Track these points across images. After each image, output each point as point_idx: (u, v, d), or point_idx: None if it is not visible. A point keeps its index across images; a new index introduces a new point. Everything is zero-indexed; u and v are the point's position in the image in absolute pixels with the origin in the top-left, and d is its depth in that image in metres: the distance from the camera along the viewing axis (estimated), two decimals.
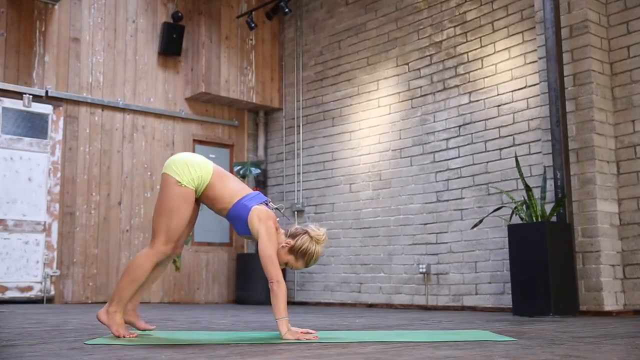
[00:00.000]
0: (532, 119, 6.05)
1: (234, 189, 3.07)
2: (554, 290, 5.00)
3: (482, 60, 6.56)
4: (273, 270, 2.91)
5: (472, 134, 6.55)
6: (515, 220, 5.60)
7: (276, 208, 3.13)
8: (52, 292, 7.19)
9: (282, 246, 3.01)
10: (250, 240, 3.20)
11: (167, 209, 2.99)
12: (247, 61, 8.67)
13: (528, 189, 5.27)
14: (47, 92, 7.42)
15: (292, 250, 3.00)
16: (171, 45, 8.26)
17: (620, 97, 5.59)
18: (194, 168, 3.02)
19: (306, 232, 3.03)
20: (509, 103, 6.27)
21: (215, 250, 8.53)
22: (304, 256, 3.01)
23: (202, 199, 3.10)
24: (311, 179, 8.29)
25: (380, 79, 7.57)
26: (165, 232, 2.99)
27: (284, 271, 7.97)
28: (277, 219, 3.10)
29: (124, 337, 2.93)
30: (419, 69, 7.16)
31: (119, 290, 3.00)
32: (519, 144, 6.12)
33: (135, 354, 2.33)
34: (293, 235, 3.03)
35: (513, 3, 6.34)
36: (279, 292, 2.89)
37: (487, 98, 6.46)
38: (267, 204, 3.08)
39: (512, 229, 5.35)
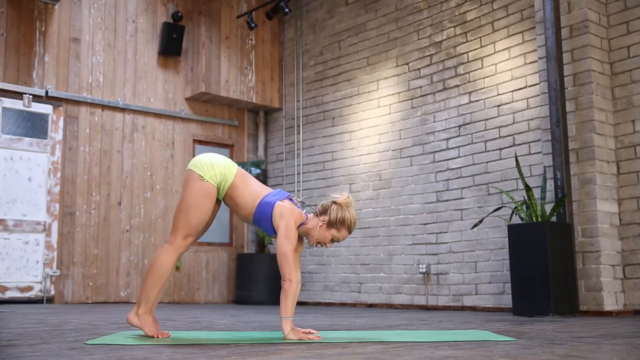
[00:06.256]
0: (532, 119, 6.05)
1: (256, 191, 3.11)
2: (554, 290, 5.00)
3: (482, 60, 6.56)
4: (287, 269, 2.93)
5: (472, 134, 6.55)
6: (515, 220, 5.61)
7: (300, 201, 3.18)
8: (52, 292, 7.19)
9: (320, 225, 3.05)
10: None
11: (188, 204, 3.02)
12: (247, 61, 8.67)
13: (528, 189, 5.27)
14: (47, 92, 7.42)
15: (331, 224, 3.04)
16: (171, 45, 8.26)
17: (620, 97, 5.59)
18: (218, 165, 3.07)
19: (333, 203, 3.08)
20: (509, 103, 6.27)
21: (215, 250, 8.53)
22: (343, 224, 3.05)
23: (226, 199, 3.14)
24: (311, 179, 8.29)
25: (380, 79, 7.57)
26: (185, 226, 3.02)
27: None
28: (304, 211, 3.14)
29: (157, 337, 2.95)
30: (419, 69, 7.16)
31: (145, 291, 3.01)
32: (519, 144, 6.12)
33: (135, 354, 2.33)
34: (324, 211, 3.07)
35: (513, 3, 6.34)
36: (290, 290, 2.92)
37: (487, 98, 6.47)
38: (290, 199, 3.12)
39: (512, 229, 5.35)
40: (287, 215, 3.00)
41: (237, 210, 3.13)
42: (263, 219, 3.05)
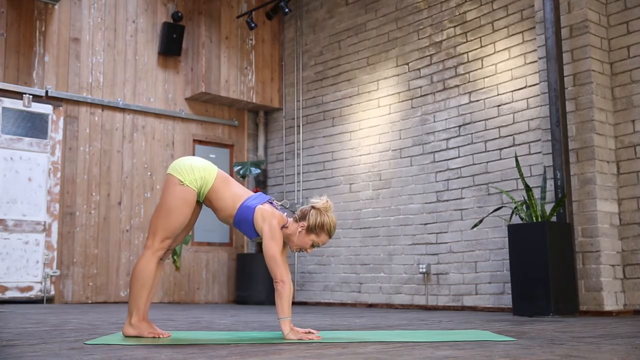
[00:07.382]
0: (532, 119, 6.05)
1: (237, 193, 3.08)
2: (554, 290, 5.00)
3: (482, 60, 6.56)
4: (277, 270, 2.93)
5: (472, 134, 6.55)
6: (515, 220, 5.60)
7: (281, 205, 3.16)
8: (52, 292, 7.19)
9: (299, 231, 3.04)
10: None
11: (167, 209, 3.01)
12: (247, 61, 8.67)
13: (528, 189, 5.27)
14: (47, 92, 7.42)
15: (310, 229, 3.03)
16: (171, 45, 8.26)
17: (620, 97, 5.59)
18: (197, 170, 3.04)
19: (312, 208, 3.06)
20: (509, 103, 6.27)
21: (215, 250, 8.53)
22: (323, 229, 3.04)
23: (206, 202, 3.12)
24: (311, 179, 8.29)
25: (380, 79, 7.57)
26: (162, 231, 3.01)
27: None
28: (285, 214, 3.12)
29: (159, 336, 2.95)
30: (419, 69, 7.16)
31: (133, 300, 3.00)
32: (519, 144, 6.12)
33: (135, 354, 2.33)
34: (303, 217, 3.06)
35: (513, 3, 6.34)
36: (283, 291, 2.92)
37: (487, 98, 6.47)
38: (271, 203, 3.11)
39: (512, 229, 5.35)
40: (268, 217, 2.99)
41: (217, 213, 3.12)
42: (243, 222, 3.04)
